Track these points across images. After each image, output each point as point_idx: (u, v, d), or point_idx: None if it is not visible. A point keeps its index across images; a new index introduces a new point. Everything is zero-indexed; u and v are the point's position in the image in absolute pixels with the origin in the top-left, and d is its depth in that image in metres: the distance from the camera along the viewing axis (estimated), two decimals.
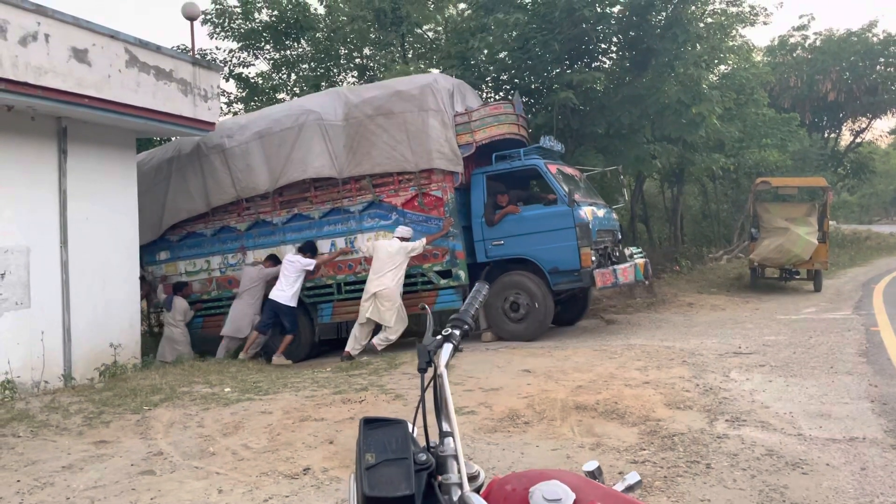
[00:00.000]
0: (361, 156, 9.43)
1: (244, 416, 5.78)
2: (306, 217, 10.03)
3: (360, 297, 9.26)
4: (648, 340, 8.44)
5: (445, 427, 1.40)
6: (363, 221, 9.70)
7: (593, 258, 8.90)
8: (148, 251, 11.19)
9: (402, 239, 9.05)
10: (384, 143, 9.31)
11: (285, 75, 15.45)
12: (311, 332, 9.99)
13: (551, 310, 9.17)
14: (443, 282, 9.36)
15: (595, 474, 1.55)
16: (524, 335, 9.03)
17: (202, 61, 9.90)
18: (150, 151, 12.21)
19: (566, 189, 8.95)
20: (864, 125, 29.02)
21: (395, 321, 8.88)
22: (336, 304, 9.85)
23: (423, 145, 9.12)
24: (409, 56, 14.31)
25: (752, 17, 14.32)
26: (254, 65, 15.71)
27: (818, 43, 26.26)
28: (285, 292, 9.32)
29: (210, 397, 6.52)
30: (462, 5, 14.61)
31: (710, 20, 12.98)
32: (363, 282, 9.30)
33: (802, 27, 26.36)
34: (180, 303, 10.42)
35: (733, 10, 13.49)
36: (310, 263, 9.41)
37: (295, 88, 15.10)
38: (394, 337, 9.00)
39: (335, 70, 15.08)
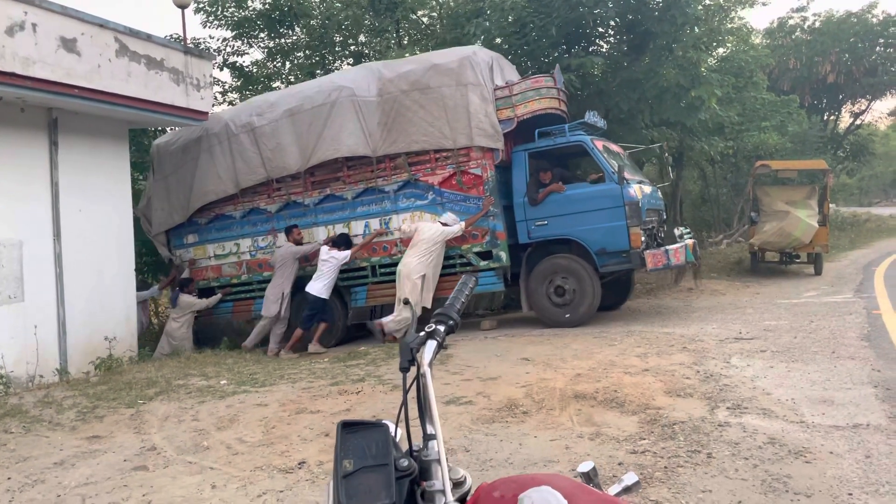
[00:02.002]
0: (397, 133, 9.11)
1: (240, 408, 5.72)
2: (339, 198, 9.72)
3: (395, 280, 8.95)
4: (648, 326, 8.37)
5: (429, 429, 1.32)
6: (398, 201, 9.38)
7: (643, 238, 8.55)
8: (175, 234, 11.05)
9: (445, 225, 8.78)
10: (421, 119, 8.98)
11: (280, 63, 15.30)
12: (344, 317, 9.71)
13: (599, 293, 8.79)
14: (483, 263, 8.98)
15: (590, 476, 1.47)
16: (570, 321, 8.74)
17: (194, 50, 9.77)
18: (177, 131, 12.01)
19: (615, 166, 8.62)
20: (863, 107, 28.85)
21: (412, 298, 8.43)
22: (371, 287, 9.56)
23: (461, 121, 8.79)
24: (405, 42, 14.17)
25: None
26: (247, 53, 15.52)
27: (817, 24, 26.05)
28: (319, 284, 9.07)
29: (206, 390, 6.46)
30: None
31: (708, 2, 12.83)
32: (396, 263, 9.08)
33: (801, 9, 26.16)
34: (184, 299, 10.27)
35: None
36: (346, 256, 9.17)
37: (290, 77, 14.95)
38: (398, 317, 8.60)
39: (330, 57, 14.92)
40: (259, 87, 15.13)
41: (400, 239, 9.26)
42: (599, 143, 9.04)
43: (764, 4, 15.16)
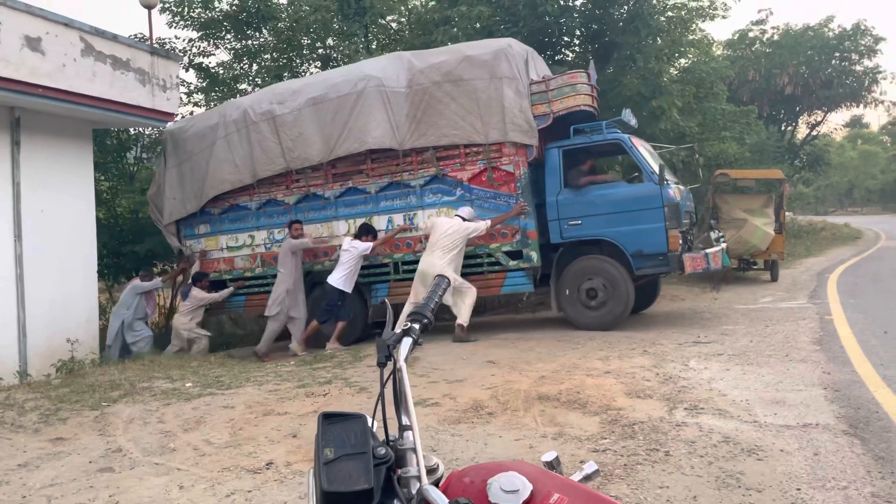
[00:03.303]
0: (426, 126, 8.81)
1: (206, 410, 5.72)
2: (361, 191, 9.40)
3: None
4: (609, 332, 8.52)
5: (405, 420, 1.41)
6: (424, 197, 9.09)
7: (681, 241, 8.36)
8: (187, 224, 10.69)
9: (464, 219, 8.53)
10: (452, 112, 8.69)
11: (247, 65, 15.23)
12: (363, 314, 9.42)
13: (632, 296, 8.56)
14: (512, 263, 8.72)
15: (553, 465, 1.57)
16: (602, 324, 8.49)
17: (160, 50, 9.71)
18: (191, 117, 11.68)
19: (654, 166, 8.43)
20: (819, 118, 29.72)
21: (463, 285, 8.41)
22: (392, 285, 9.25)
23: (495, 115, 8.51)
24: (373, 47, 14.22)
25: (711, 11, 14.54)
26: (214, 54, 15.35)
27: (776, 37, 26.78)
28: (339, 275, 8.81)
29: (171, 392, 6.44)
30: None
31: (670, 14, 13.15)
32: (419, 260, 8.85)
33: (761, 22, 26.86)
34: (195, 293, 9.95)
35: (693, 4, 13.69)
36: (367, 248, 8.82)
37: (257, 79, 14.88)
38: (468, 302, 8.44)
39: (298, 60, 14.90)
40: (225, 89, 15.04)
41: (424, 235, 8.94)
42: (637, 142, 8.86)
43: (724, 17, 15.55)
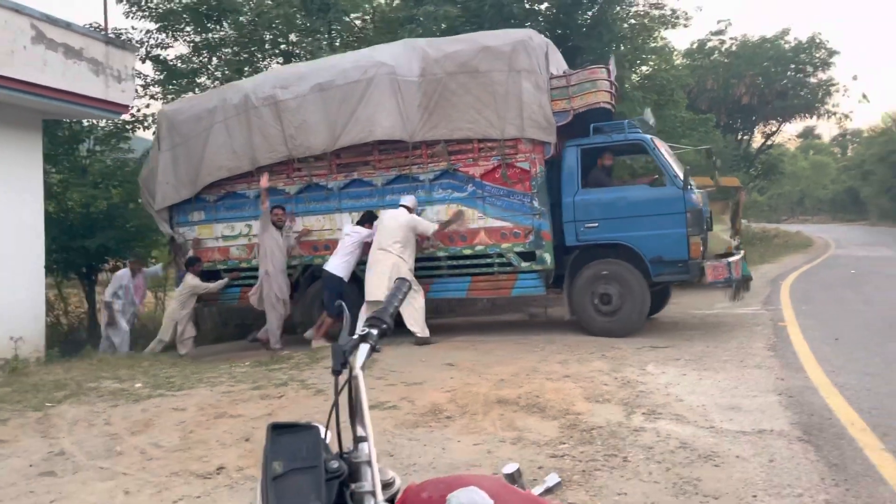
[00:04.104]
0: (439, 118, 8.46)
1: (155, 413, 5.54)
2: (367, 183, 9.03)
3: (426, 274, 8.70)
4: (569, 335, 8.54)
5: (360, 431, 1.34)
6: (433, 192, 8.72)
7: (702, 248, 8.09)
8: (180, 211, 10.19)
9: (408, 209, 8.36)
10: (467, 105, 8.34)
11: (206, 59, 14.92)
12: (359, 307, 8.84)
13: (648, 303, 8.34)
14: (524, 265, 8.39)
15: (514, 477, 1.51)
16: (616, 330, 8.18)
17: (116, 40, 9.44)
18: (188, 98, 11.08)
19: (677, 170, 8.19)
20: (774, 128, 30.45)
21: (415, 285, 8.20)
22: None
23: (512, 110, 8.18)
24: (337, 44, 14.07)
25: (673, 19, 14.74)
26: (172, 46, 15.00)
27: (734, 48, 27.35)
28: (336, 261, 8.57)
29: (119, 393, 6.23)
30: None
31: (633, 21, 13.29)
32: (430, 258, 8.72)
33: (720, 32, 27.41)
34: (189, 280, 9.50)
35: (656, 12, 13.86)
36: (370, 234, 8.50)
37: (216, 73, 14.60)
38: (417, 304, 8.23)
39: (259, 55, 14.65)
40: (183, 82, 14.71)
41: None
42: (659, 143, 8.58)
43: (685, 26, 15.80)
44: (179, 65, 14.76)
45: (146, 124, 13.97)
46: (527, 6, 11.65)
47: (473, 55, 8.36)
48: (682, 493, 3.49)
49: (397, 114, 8.56)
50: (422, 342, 8.11)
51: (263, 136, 9.28)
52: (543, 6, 12.13)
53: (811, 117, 29.88)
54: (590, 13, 12.55)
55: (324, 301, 8.82)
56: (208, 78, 14.66)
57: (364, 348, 1.42)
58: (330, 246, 9.12)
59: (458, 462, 4.06)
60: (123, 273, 9.99)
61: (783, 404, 5.08)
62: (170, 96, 14.34)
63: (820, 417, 4.72)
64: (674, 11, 14.93)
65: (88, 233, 12.20)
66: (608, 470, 3.83)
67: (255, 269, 9.35)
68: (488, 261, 8.56)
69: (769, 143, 31.23)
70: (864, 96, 64.65)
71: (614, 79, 8.77)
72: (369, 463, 1.27)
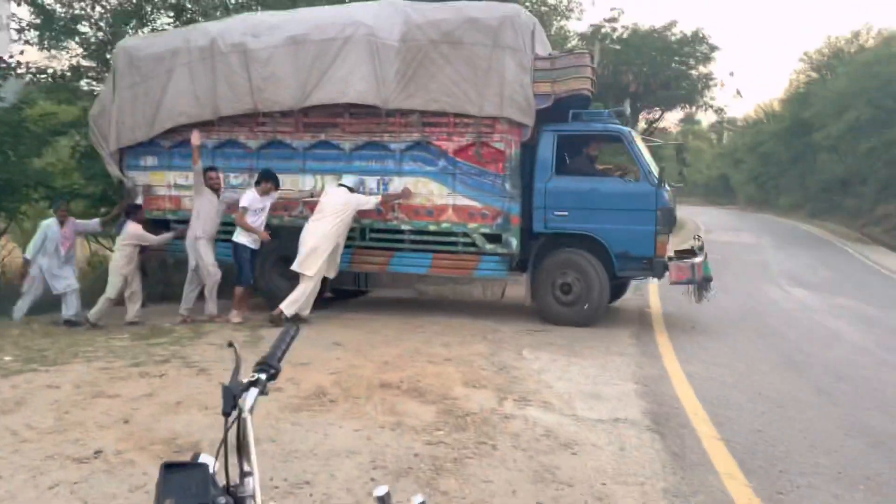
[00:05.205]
0: (416, 87, 8.22)
1: (27, 389, 5.40)
2: (334, 146, 8.74)
3: (387, 246, 8.60)
4: (455, 316, 8.86)
5: (246, 467, 1.51)
6: (403, 163, 8.51)
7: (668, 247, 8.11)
8: (132, 154, 9.58)
9: (350, 190, 8.27)
10: (446, 76, 8.12)
11: (88, 5, 13.98)
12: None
13: (606, 297, 8.41)
14: (489, 247, 8.32)
15: (384, 500, 1.72)
16: (574, 320, 8.26)
17: None
18: (149, 37, 10.26)
19: (652, 166, 8.24)
20: (657, 116, 32.02)
21: (313, 272, 8.01)
22: (356, 251, 8.75)
23: (492, 87, 8.02)
24: (231, 4, 13.58)
25: (567, 11, 15.22)
26: None
27: (625, 36, 28.39)
28: (239, 231, 8.27)
29: None
30: None
31: (528, 7, 13.61)
32: (393, 230, 8.58)
33: (613, 20, 28.33)
34: (131, 228, 8.80)
35: (552, 1, 14.25)
36: (254, 201, 8.23)
37: (100, 22, 13.73)
38: (305, 292, 8.03)
39: (149, 8, 13.89)
40: (62, 27, 13.74)
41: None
42: (637, 138, 8.55)
43: (578, 19, 16.35)
44: (59, 10, 13.77)
45: (19, 71, 13.00)
46: None
47: (458, 25, 8.19)
48: (542, 480, 3.85)
49: (373, 77, 8.34)
50: (275, 319, 7.91)
51: (229, 85, 8.90)
52: None
53: (691, 108, 31.59)
54: None
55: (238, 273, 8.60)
56: (91, 27, 13.77)
57: (253, 392, 1.59)
58: (289, 207, 8.94)
59: (339, 449, 4.25)
60: (49, 223, 9.14)
61: (639, 393, 5.60)
62: (45, 42, 13.39)
63: (669, 407, 5.27)
64: (568, 2, 15.42)
65: None
66: (478, 458, 4.14)
67: None
68: (453, 239, 8.51)
69: (652, 129, 32.83)
70: (738, 92, 68.66)
71: (595, 64, 8.74)
72: (254, 497, 1.45)
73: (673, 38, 28.51)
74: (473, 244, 8.40)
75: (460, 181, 8.33)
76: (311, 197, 8.77)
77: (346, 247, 8.59)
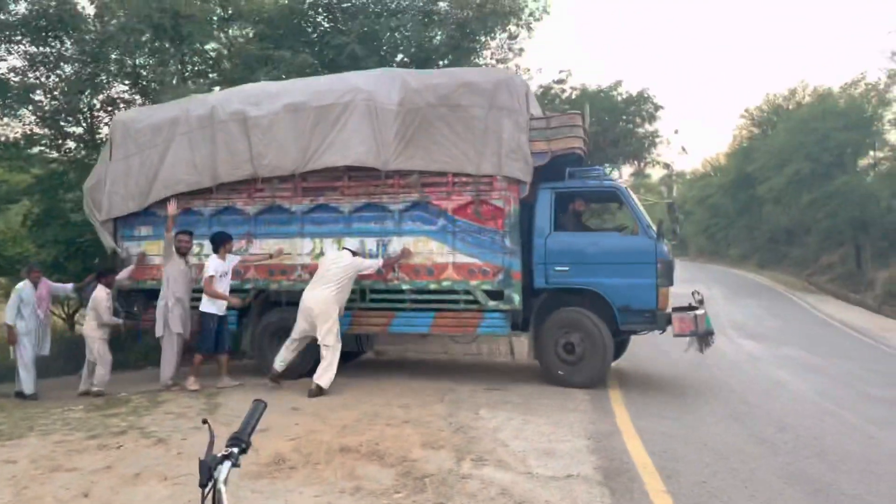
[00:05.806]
0: (415, 148, 8.42)
1: None
2: (333, 209, 8.83)
3: (388, 307, 8.61)
4: (415, 376, 8.99)
5: None
6: (403, 223, 8.62)
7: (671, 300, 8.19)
8: (125, 224, 9.64)
9: (353, 253, 8.34)
10: (444, 137, 8.34)
11: (44, 75, 14.11)
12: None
13: (611, 354, 8.37)
14: (491, 303, 8.34)
15: None
16: (579, 381, 8.23)
17: None
18: (146, 108, 10.30)
19: (649, 220, 8.38)
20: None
21: (333, 340, 8.01)
22: (357, 313, 8.74)
23: (490, 146, 8.21)
24: (188, 73, 13.85)
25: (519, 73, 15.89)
26: (5, 60, 14.07)
27: (573, 97, 29.50)
28: (206, 299, 8.30)
29: None
30: (248, 29, 14.46)
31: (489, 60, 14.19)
32: (394, 290, 8.58)
33: (562, 80, 29.46)
34: (98, 293, 8.73)
35: (501, 66, 14.88)
36: (220, 265, 8.29)
37: (55, 91, 13.85)
38: (334, 361, 8.02)
39: (104, 76, 14.08)
40: (16, 95, 13.81)
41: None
42: (633, 193, 8.74)
43: (529, 79, 17.04)
44: (13, 78, 13.86)
45: None
46: (382, 55, 12.14)
47: (454, 89, 8.42)
48: None
49: (372, 140, 8.53)
50: (277, 380, 8.28)
51: (229, 152, 9.04)
52: (398, 58, 12.71)
53: (639, 164, 32.72)
54: (441, 64, 13.30)
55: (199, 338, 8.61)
56: (46, 96, 13.88)
57: (227, 465, 1.77)
58: (287, 271, 8.99)
59: None
60: (22, 286, 8.99)
61: (591, 448, 5.80)
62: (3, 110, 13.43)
63: (619, 462, 5.47)
64: (517, 67, 16.09)
65: None
66: None
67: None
68: (454, 297, 8.51)
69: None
70: (683, 149, 70.88)
71: (587, 125, 8.98)
72: None
73: (619, 97, 29.74)
74: (475, 301, 8.42)
75: (460, 239, 8.45)
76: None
77: (347, 309, 8.57)
